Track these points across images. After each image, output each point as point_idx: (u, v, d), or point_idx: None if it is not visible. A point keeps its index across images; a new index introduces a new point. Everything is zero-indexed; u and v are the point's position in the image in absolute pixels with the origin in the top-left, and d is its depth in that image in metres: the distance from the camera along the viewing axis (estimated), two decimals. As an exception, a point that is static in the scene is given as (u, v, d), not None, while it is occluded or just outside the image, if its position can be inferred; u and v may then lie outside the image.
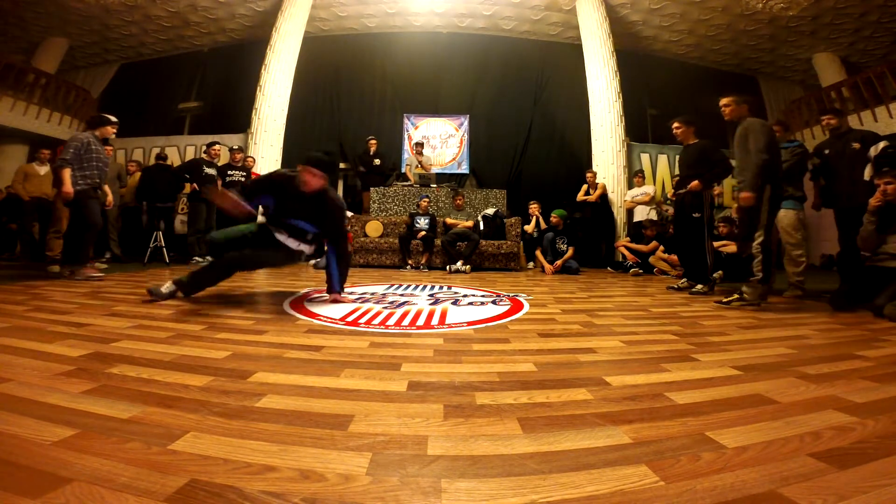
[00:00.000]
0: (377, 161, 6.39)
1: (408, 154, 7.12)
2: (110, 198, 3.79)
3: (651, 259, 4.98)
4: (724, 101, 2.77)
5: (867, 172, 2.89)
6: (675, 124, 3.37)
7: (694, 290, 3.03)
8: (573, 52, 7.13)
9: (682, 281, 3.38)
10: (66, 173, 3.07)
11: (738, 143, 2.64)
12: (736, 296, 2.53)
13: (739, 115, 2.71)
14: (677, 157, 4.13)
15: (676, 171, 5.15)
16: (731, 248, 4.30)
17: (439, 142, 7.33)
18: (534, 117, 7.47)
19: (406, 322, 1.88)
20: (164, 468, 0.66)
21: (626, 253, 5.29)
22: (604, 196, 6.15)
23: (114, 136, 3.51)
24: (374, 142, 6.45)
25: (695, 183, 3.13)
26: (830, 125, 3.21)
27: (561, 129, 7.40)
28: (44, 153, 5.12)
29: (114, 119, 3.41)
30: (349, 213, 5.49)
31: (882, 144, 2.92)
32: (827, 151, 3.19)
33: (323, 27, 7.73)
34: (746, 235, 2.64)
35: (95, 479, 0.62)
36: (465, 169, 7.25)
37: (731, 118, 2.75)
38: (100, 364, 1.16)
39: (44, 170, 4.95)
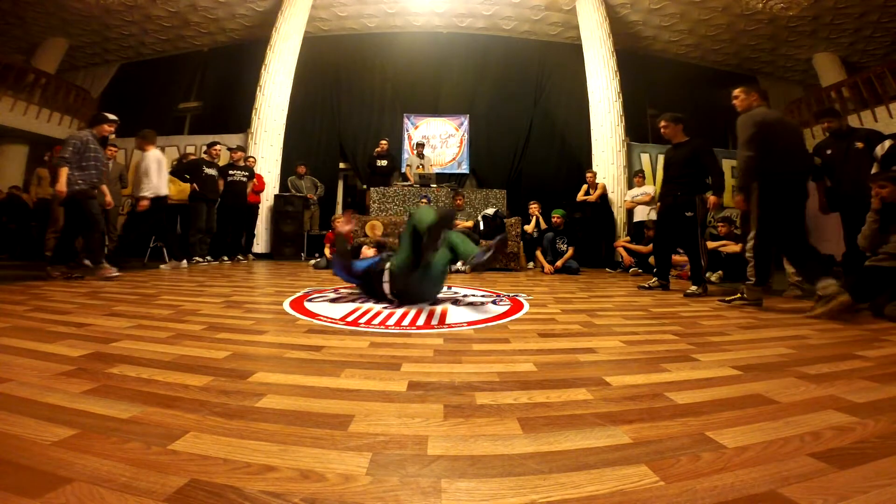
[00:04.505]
0: (383, 162, 6.38)
1: (408, 154, 7.13)
2: (108, 198, 3.79)
3: (651, 259, 4.98)
4: (736, 91, 2.64)
5: (874, 172, 2.83)
6: (662, 123, 3.24)
7: (689, 291, 3.02)
8: (573, 52, 7.13)
9: (653, 280, 3.32)
10: (64, 172, 3.05)
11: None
12: (738, 295, 2.55)
13: (748, 105, 2.55)
14: (662, 155, 3.87)
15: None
16: (732, 247, 4.29)
17: (439, 142, 7.33)
18: (534, 117, 7.47)
19: (406, 322, 1.87)
20: (164, 468, 0.66)
21: (623, 253, 5.29)
22: (604, 196, 6.15)
23: (112, 134, 3.45)
24: (384, 143, 6.45)
25: (713, 199, 3.01)
26: (831, 128, 3.17)
27: (561, 129, 7.39)
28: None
29: (111, 117, 3.36)
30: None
31: (888, 143, 2.87)
32: (829, 151, 3.14)
33: (323, 27, 7.73)
34: (744, 238, 2.60)
35: (95, 479, 0.62)
36: (465, 169, 7.25)
37: (742, 109, 2.57)
38: (100, 364, 1.16)
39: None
